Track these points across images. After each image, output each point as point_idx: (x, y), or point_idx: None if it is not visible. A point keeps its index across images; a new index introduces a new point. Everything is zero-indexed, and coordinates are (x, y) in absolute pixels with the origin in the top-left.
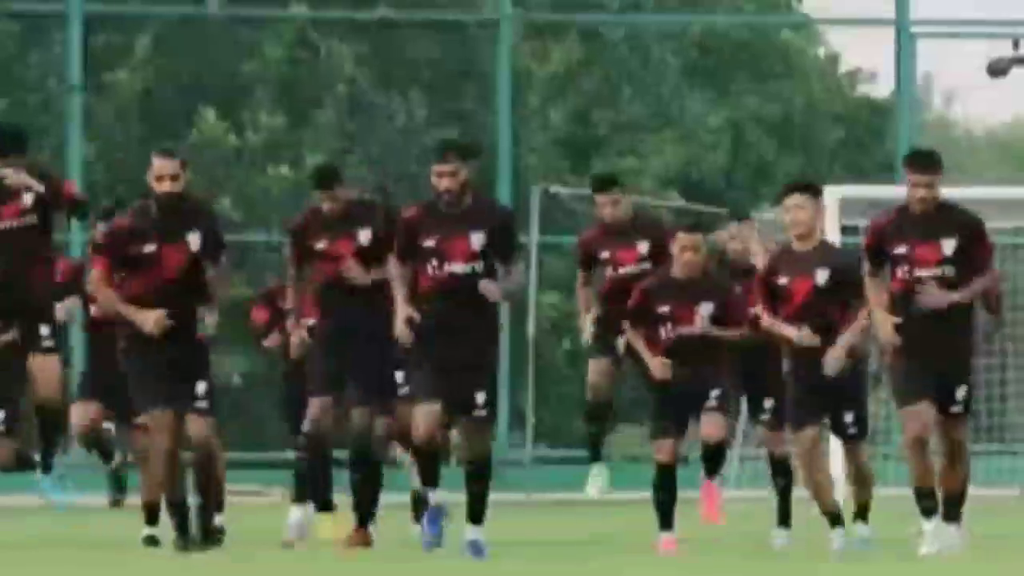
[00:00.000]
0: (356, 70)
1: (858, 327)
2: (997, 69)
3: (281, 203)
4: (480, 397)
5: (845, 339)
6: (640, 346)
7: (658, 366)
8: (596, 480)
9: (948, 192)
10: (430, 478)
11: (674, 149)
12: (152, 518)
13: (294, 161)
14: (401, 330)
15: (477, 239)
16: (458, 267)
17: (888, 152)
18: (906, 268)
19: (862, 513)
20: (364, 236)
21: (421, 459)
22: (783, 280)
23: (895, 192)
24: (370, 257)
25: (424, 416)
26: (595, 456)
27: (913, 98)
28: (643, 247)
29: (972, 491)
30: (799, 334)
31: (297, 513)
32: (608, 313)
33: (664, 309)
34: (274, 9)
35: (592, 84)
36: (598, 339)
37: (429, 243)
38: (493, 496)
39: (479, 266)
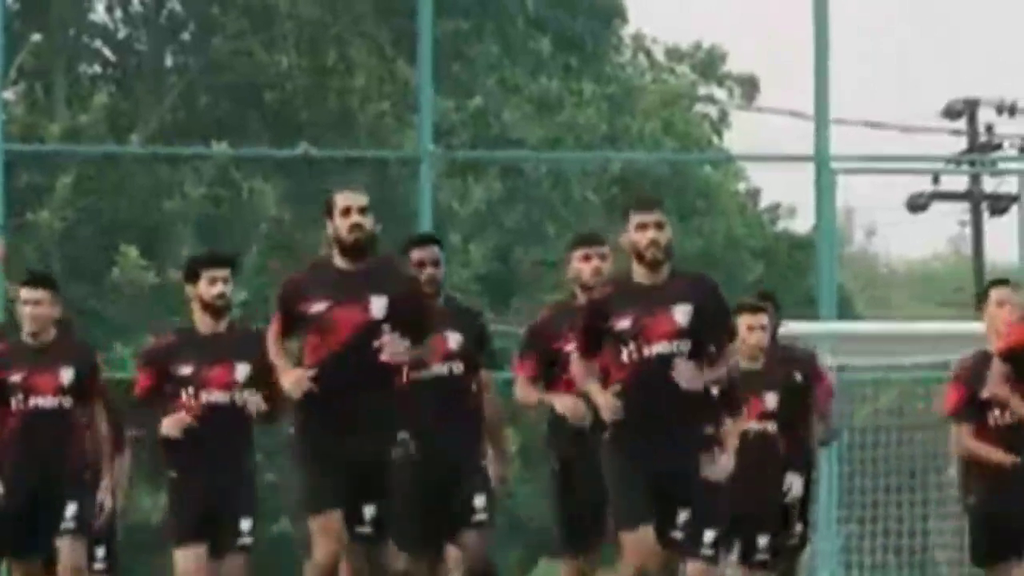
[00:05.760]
0: (278, 208)
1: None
2: (917, 204)
3: None
4: (683, 516)
5: None
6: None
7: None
8: None
9: (869, 327)
10: None
11: None
12: None
13: None
14: (614, 407)
15: (683, 313)
16: (660, 348)
17: (808, 287)
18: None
19: None
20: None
21: None
22: None
23: (816, 327)
24: None
25: (641, 543)
26: None
27: (833, 233)
28: None
29: None
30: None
31: None
32: None
33: None
34: (195, 147)
35: (513, 221)
36: None
37: (624, 324)
38: None
39: (684, 345)
